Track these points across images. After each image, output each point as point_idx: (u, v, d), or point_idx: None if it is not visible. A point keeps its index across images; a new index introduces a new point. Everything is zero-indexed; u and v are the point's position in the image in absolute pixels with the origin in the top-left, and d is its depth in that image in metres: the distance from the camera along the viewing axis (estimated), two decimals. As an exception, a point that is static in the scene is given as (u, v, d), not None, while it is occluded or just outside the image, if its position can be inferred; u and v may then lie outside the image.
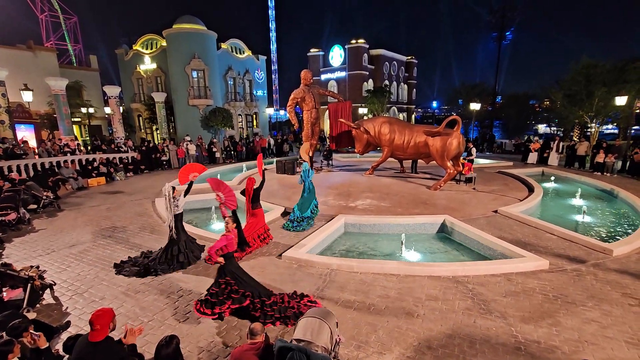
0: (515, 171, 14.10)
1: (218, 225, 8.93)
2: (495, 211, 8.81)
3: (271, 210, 9.05)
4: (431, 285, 5.28)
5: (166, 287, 5.40)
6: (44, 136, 20.43)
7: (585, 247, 6.56)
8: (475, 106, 23.05)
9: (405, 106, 47.97)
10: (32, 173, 12.69)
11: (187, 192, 6.59)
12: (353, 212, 8.80)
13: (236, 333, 4.24)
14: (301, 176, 8.35)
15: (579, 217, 8.80)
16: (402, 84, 46.85)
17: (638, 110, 18.49)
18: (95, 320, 2.98)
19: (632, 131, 21.73)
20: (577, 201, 10.26)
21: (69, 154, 14.89)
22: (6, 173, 11.82)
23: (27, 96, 16.17)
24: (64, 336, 4.07)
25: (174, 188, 6.23)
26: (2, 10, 34.62)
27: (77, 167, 14.51)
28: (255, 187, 7.16)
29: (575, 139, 22.34)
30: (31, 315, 4.41)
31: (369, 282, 5.43)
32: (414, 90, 49.35)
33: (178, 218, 6.35)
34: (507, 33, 31.86)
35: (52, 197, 10.71)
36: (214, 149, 20.04)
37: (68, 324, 4.44)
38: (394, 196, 10.42)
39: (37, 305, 4.94)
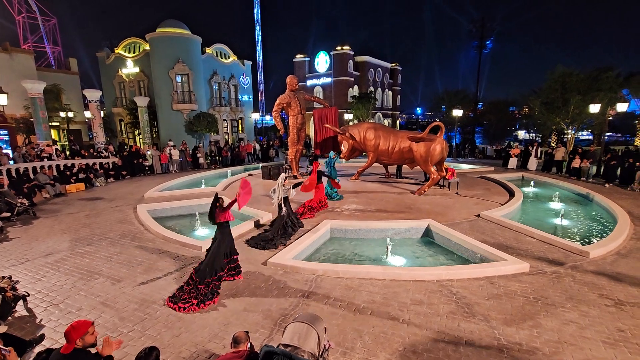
0: (496, 176, 14.46)
1: (202, 232, 8.78)
2: (478, 215, 8.99)
3: (256, 216, 8.95)
4: (416, 290, 5.32)
5: (147, 297, 5.25)
6: (19, 141, 19.71)
7: (564, 250, 6.76)
8: (457, 112, 23.57)
9: (390, 112, 48.63)
10: (6, 179, 12.17)
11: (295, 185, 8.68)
12: (339, 218, 8.81)
13: (218, 342, 4.15)
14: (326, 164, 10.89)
15: (557, 221, 9.07)
16: (386, 90, 47.53)
17: (610, 118, 19.31)
18: (71, 332, 2.85)
19: (606, 137, 22.66)
20: (555, 205, 10.58)
21: (45, 160, 14.39)
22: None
23: (1, 99, 15.57)
24: (38, 350, 3.89)
25: (285, 177, 7.93)
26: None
27: (55, 173, 14.04)
28: (318, 169, 9.47)
29: (553, 145, 23.15)
30: (2, 329, 4.20)
31: (354, 288, 5.42)
32: (399, 96, 50.14)
33: (287, 199, 7.99)
34: (487, 42, 32.84)
35: (27, 204, 10.29)
36: (198, 155, 19.75)
37: (42, 337, 4.24)
38: (379, 201, 10.50)
39: (9, 318, 4.71)
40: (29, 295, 5.19)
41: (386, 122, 46.73)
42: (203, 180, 14.94)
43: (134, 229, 8.64)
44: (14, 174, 12.59)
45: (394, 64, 47.90)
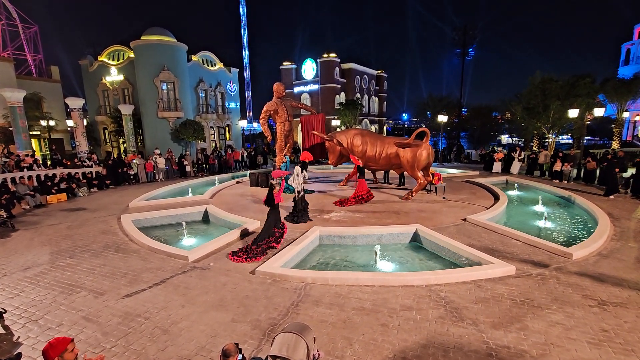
0: (481, 180, 14.72)
1: (188, 242, 8.62)
2: (465, 219, 9.11)
3: (244, 223, 8.86)
4: (405, 295, 5.33)
5: (132, 310, 5.10)
6: (-2, 151, 19.08)
7: (548, 252, 6.90)
8: (442, 118, 24.00)
9: (376, 118, 49.17)
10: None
11: (304, 168, 10.02)
12: (327, 224, 8.78)
13: (205, 355, 4.05)
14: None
15: (541, 223, 9.27)
16: (373, 96, 48.09)
17: (588, 122, 19.98)
18: (49, 351, 2.74)
19: (585, 141, 23.41)
20: (538, 208, 10.82)
21: (25, 170, 13.97)
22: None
23: (-22, 108, 15.09)
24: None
25: (301, 168, 9.68)
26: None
27: (35, 183, 13.63)
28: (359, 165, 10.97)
29: (535, 149, 23.76)
30: (-24, 348, 4.01)
31: (344, 295, 5.40)
32: (385, 102, 50.79)
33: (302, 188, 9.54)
34: (470, 49, 33.69)
35: (5, 216, 9.95)
36: (185, 163, 19.49)
37: (19, 355, 4.06)
38: (367, 207, 10.53)
39: (-16, 336, 4.51)
40: (5, 311, 4.97)
41: (373, 128, 47.20)
42: (190, 188, 14.73)
43: (118, 240, 8.43)
44: (-9, 185, 12.16)
45: (379, 71, 48.61)
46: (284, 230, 7.80)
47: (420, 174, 11.49)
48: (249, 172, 17.40)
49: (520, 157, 17.50)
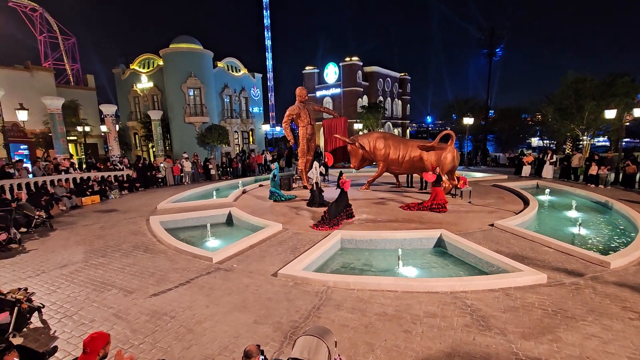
0: (510, 184, 14.18)
1: (212, 243, 8.82)
2: (492, 225, 8.80)
3: (267, 226, 8.96)
4: (429, 302, 5.20)
5: (159, 308, 5.27)
6: (39, 155, 20.34)
7: (583, 260, 6.53)
8: (468, 120, 23.35)
9: (399, 121, 48.56)
10: (24, 193, 12.53)
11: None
12: (349, 228, 8.74)
13: (228, 355, 4.11)
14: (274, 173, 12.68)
15: (575, 230, 8.80)
16: (396, 99, 47.56)
17: (628, 123, 18.84)
18: (89, 344, 2.89)
19: (623, 143, 22.08)
20: (572, 213, 10.28)
21: (63, 173, 14.79)
22: (-2, 193, 11.70)
23: (22, 115, 16.14)
24: (51, 362, 3.93)
25: (320, 165, 11.89)
26: (2, 31, 35.12)
27: (71, 186, 14.39)
28: (437, 173, 10.46)
29: (568, 152, 22.64)
30: (17, 341, 4.26)
31: (366, 299, 5.33)
32: (408, 105, 50.10)
33: (320, 179, 11.65)
34: (497, 50, 32.68)
35: (44, 217, 10.56)
36: (210, 166, 20.01)
37: (55, 349, 4.28)
38: (390, 211, 10.40)
39: (24, 330, 4.78)
40: (43, 306, 5.26)
41: (396, 131, 46.64)
42: (214, 191, 15.09)
43: (146, 240, 8.75)
44: (32, 188, 12.97)
45: (403, 74, 48.04)
46: (352, 214, 9.64)
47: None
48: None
49: (552, 161, 16.73)
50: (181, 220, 10.48)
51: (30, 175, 13.73)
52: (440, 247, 7.88)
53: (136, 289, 5.97)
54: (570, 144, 24.54)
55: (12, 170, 12.91)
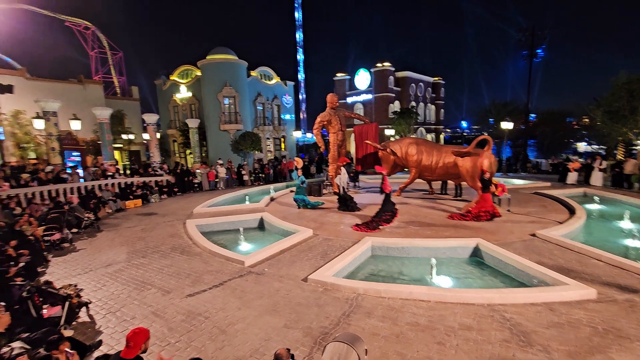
0: (553, 192, 13.32)
1: (245, 247, 9.03)
2: (533, 235, 8.30)
3: (298, 232, 9.05)
4: (464, 313, 4.98)
5: (194, 309, 5.46)
6: (89, 161, 21.95)
7: (638, 275, 5.98)
8: (507, 125, 22.30)
9: (433, 127, 47.42)
10: (76, 197, 13.56)
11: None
12: (380, 235, 8.61)
13: (259, 357, 4.16)
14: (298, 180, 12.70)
15: (629, 242, 8.09)
16: (429, 104, 46.56)
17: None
18: (132, 338, 3.07)
19: (685, 148, 20.07)
20: (626, 224, 9.46)
21: (109, 178, 15.85)
22: (54, 196, 12.74)
23: (75, 125, 17.57)
24: (96, 354, 4.18)
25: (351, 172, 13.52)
26: (60, 49, 38.75)
27: (117, 190, 15.37)
28: (487, 177, 9.93)
29: (620, 157, 20.93)
30: (68, 333, 4.58)
31: (397, 308, 5.21)
32: (442, 110, 48.83)
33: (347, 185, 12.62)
34: (539, 50, 31.05)
35: (93, 219, 11.34)
36: (243, 172, 20.58)
37: (100, 342, 4.56)
38: (423, 218, 10.13)
39: (73, 323, 5.14)
40: (90, 302, 5.63)
41: (429, 136, 45.55)
42: (247, 196, 15.48)
43: (183, 243, 9.12)
44: (82, 192, 14.01)
45: (436, 78, 47.03)
46: (395, 214, 9.69)
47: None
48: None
49: (602, 167, 15.53)
50: (215, 224, 10.82)
51: (81, 180, 14.84)
52: (476, 256, 7.55)
53: (173, 289, 6.23)
54: (623, 149, 22.65)
55: (65, 176, 14.03)
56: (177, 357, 4.21)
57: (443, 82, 47.74)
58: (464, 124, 74.15)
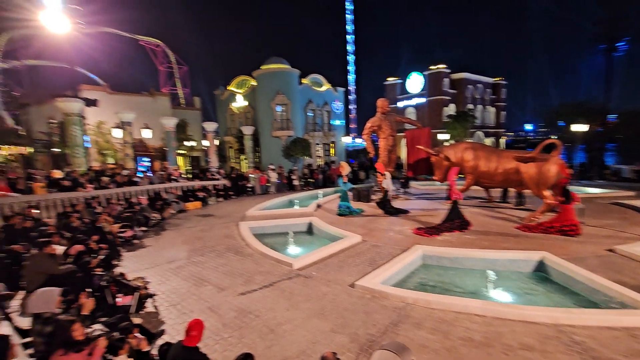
0: (637, 202, 11.73)
1: (294, 250, 9.24)
2: (611, 250, 7.38)
3: (345, 237, 9.04)
4: (525, 332, 4.58)
5: (245, 307, 5.72)
6: (157, 166, 24.16)
7: None
8: (580, 127, 20.10)
9: (492, 130, 44.48)
10: (145, 198, 14.98)
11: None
12: (432, 243, 8.27)
13: (305, 359, 4.23)
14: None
15: None
16: (488, 107, 43.82)
17: None
18: (193, 327, 3.35)
19: None
20: None
21: (173, 181, 17.28)
22: (127, 197, 14.20)
23: (146, 133, 19.50)
24: (159, 343, 4.56)
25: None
26: (135, 65, 43.50)
27: (179, 193, 16.68)
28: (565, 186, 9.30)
29: None
30: (137, 320, 5.07)
31: (449, 321, 4.96)
32: (503, 113, 45.60)
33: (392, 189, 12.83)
34: (621, 43, 27.71)
35: (158, 218, 12.42)
36: (293, 177, 21.12)
37: (163, 331, 4.97)
38: (479, 227, 9.54)
39: (141, 312, 5.66)
40: (156, 295, 6.17)
41: (488, 141, 42.76)
42: (297, 201, 15.84)
43: (236, 244, 9.61)
44: (151, 194, 15.43)
45: (497, 78, 44.14)
46: (466, 225, 9.36)
47: (547, 192, 9.87)
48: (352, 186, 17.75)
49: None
50: (266, 227, 11.24)
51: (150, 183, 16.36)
52: (541, 271, 6.91)
53: (227, 287, 6.58)
54: None
55: (137, 179, 15.58)
56: (229, 351, 4.44)
57: (505, 82, 44.66)
58: (530, 126, 68.46)
